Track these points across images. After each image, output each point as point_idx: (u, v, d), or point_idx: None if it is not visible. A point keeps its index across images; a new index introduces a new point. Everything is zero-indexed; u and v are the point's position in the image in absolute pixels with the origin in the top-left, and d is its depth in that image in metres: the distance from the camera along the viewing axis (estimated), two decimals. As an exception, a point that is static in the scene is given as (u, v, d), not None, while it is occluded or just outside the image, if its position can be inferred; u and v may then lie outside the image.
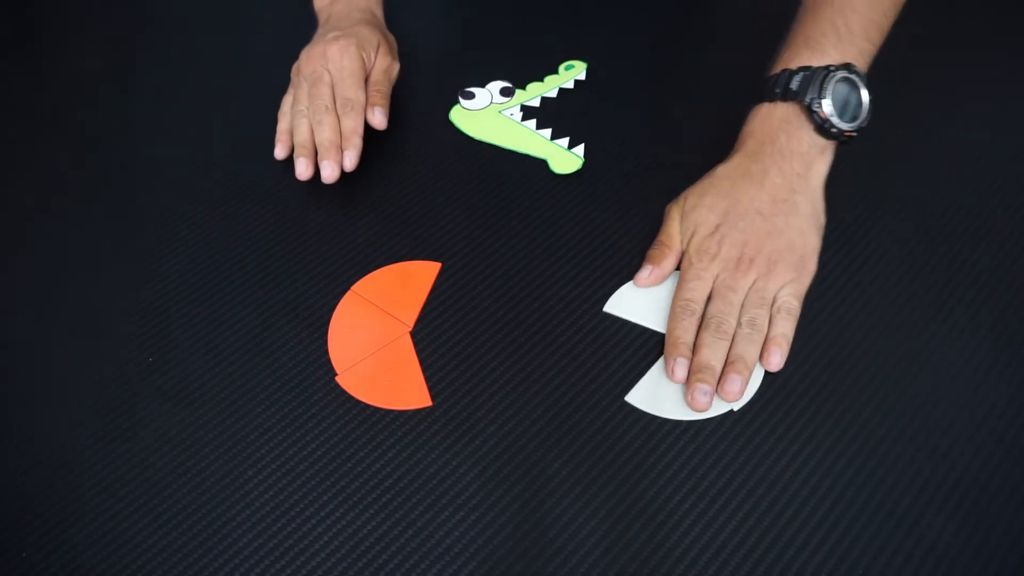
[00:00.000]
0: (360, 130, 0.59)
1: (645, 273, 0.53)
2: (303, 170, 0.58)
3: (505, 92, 0.66)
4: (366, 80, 0.61)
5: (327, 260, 0.56)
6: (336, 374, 0.50)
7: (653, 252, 0.54)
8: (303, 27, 0.66)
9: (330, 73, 0.60)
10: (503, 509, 0.45)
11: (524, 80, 0.67)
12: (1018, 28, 0.71)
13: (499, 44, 0.71)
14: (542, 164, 0.61)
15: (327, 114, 0.58)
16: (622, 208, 0.58)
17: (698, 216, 0.53)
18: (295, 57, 0.63)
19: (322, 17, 0.66)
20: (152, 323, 0.53)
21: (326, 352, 0.51)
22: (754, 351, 0.49)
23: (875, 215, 0.57)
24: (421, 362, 0.51)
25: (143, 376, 0.51)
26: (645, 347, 0.51)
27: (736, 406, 0.48)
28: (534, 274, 0.55)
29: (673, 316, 0.51)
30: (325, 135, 0.58)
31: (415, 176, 0.61)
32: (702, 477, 0.46)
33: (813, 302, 0.52)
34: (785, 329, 0.49)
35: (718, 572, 0.42)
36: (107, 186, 0.62)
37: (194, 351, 0.52)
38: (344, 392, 0.50)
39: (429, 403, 0.49)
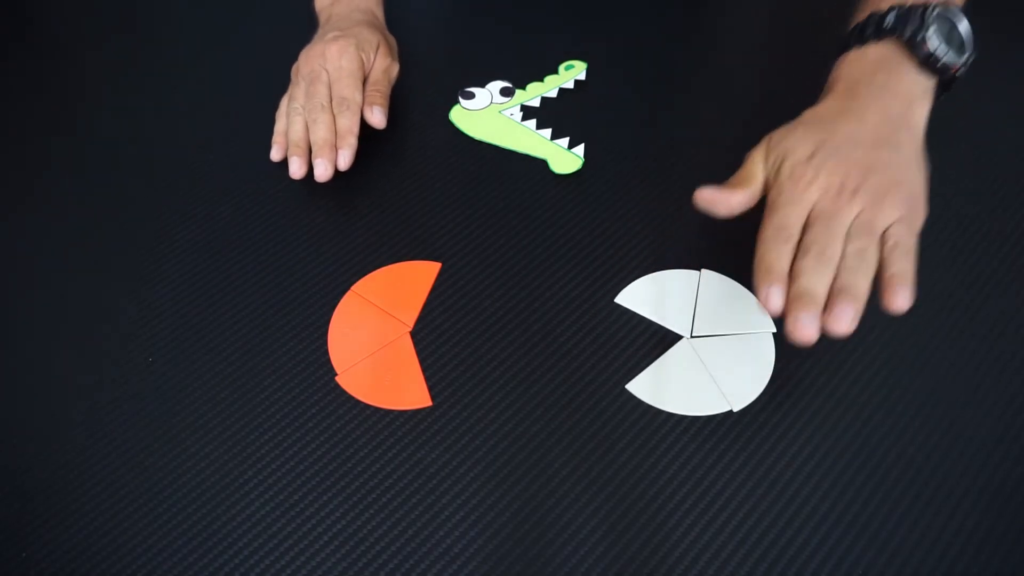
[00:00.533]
0: (356, 129, 0.58)
1: (711, 189, 0.47)
2: (296, 169, 0.58)
3: (505, 92, 0.66)
4: (365, 80, 0.61)
5: (327, 260, 0.56)
6: (336, 374, 0.50)
7: (729, 182, 0.47)
8: (303, 27, 0.66)
9: (328, 72, 0.60)
10: (503, 509, 0.45)
11: (524, 80, 0.67)
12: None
13: (499, 44, 0.71)
14: (542, 164, 0.61)
15: (323, 112, 0.58)
16: (622, 208, 0.58)
17: (788, 145, 0.46)
18: (295, 57, 0.63)
19: (322, 17, 0.66)
20: (152, 323, 0.53)
21: (326, 352, 0.51)
22: (865, 283, 0.41)
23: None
24: (421, 362, 0.51)
25: (143, 376, 0.51)
26: (649, 343, 0.51)
27: (736, 408, 0.48)
28: (534, 274, 0.55)
29: (764, 242, 0.44)
30: (320, 133, 0.58)
31: (415, 176, 0.61)
32: (702, 477, 0.46)
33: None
34: (906, 267, 0.41)
35: (718, 572, 0.42)
36: (107, 186, 0.62)
37: (194, 351, 0.52)
38: (344, 392, 0.50)
39: (429, 403, 0.49)
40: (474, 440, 0.48)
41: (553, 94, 0.66)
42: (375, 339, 0.52)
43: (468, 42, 0.72)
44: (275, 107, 0.63)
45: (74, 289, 0.55)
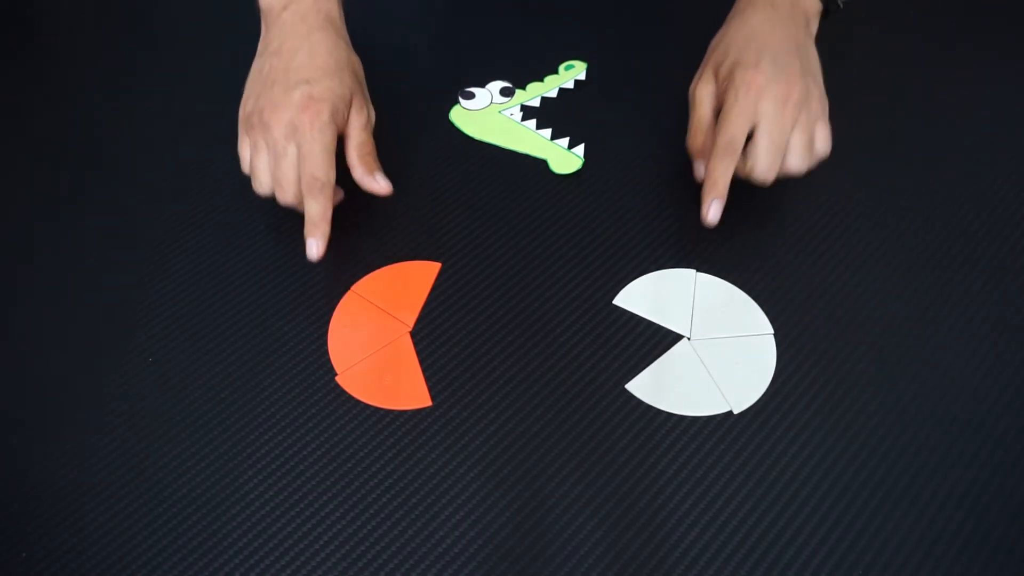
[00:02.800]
0: (328, 215, 0.52)
1: (701, 168, 0.54)
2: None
3: (505, 92, 0.66)
4: (345, 142, 0.55)
5: (327, 260, 0.56)
6: (336, 374, 0.50)
7: (692, 141, 0.55)
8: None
9: (297, 147, 0.52)
10: (503, 509, 0.45)
11: (524, 80, 0.67)
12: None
13: (499, 44, 0.71)
14: (542, 164, 0.61)
15: (295, 202, 0.53)
16: (622, 208, 0.58)
17: (735, 56, 0.53)
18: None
19: (269, 18, 0.57)
20: (152, 323, 0.53)
21: (326, 352, 0.51)
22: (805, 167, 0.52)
23: (874, 217, 0.57)
24: (421, 362, 0.51)
25: (143, 376, 0.51)
26: (648, 344, 0.51)
27: (736, 409, 0.48)
28: (534, 274, 0.55)
29: (716, 156, 0.51)
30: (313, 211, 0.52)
31: (415, 176, 0.61)
32: (702, 477, 0.46)
33: (815, 301, 0.52)
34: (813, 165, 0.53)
35: (718, 572, 0.42)
36: (107, 187, 0.62)
37: (194, 351, 0.52)
38: (344, 392, 0.50)
39: (429, 403, 0.49)
40: (474, 440, 0.48)
41: (553, 94, 0.66)
42: (375, 339, 0.52)
43: (468, 42, 0.72)
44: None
45: (74, 289, 0.55)
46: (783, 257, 0.55)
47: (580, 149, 0.62)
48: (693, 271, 0.54)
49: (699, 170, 0.54)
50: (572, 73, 0.67)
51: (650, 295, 0.53)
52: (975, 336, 0.51)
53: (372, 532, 0.44)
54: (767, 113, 0.50)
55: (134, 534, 0.45)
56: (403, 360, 0.51)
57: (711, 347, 0.51)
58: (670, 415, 0.48)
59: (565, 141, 0.62)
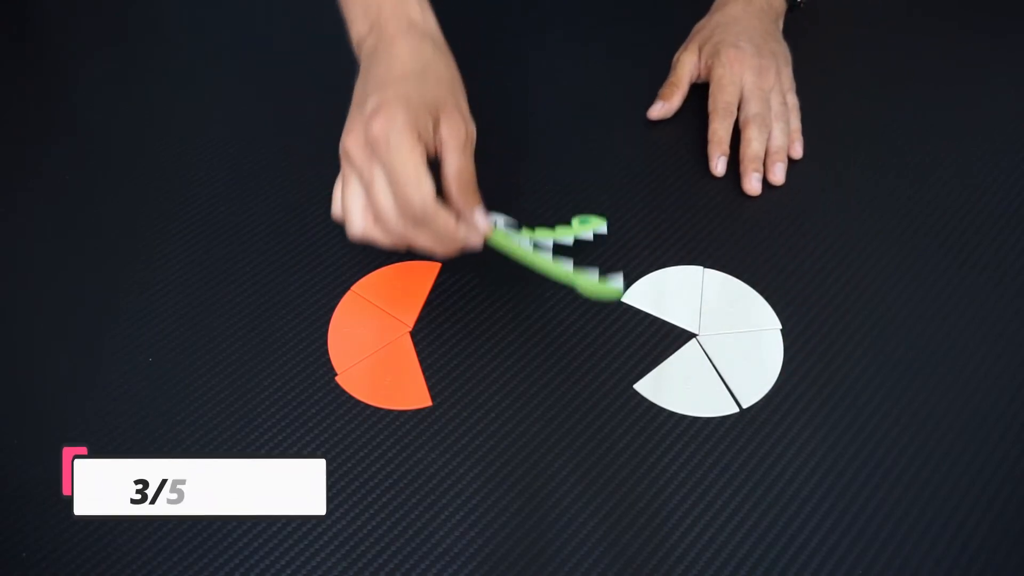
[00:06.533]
0: (448, 233, 0.44)
1: (657, 107, 0.63)
2: None
3: (510, 225, 0.49)
4: (436, 160, 0.45)
5: (327, 260, 0.56)
6: (336, 374, 0.50)
7: (664, 91, 0.64)
8: (306, 25, 0.66)
9: (383, 169, 0.43)
10: (503, 509, 0.45)
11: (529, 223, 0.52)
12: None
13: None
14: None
15: (402, 240, 0.45)
16: (623, 207, 0.58)
17: (720, 37, 0.63)
18: (297, 57, 0.62)
19: (362, 57, 0.49)
20: (152, 323, 0.53)
21: (326, 352, 0.51)
22: (786, 139, 0.60)
23: (880, 212, 0.57)
24: (421, 362, 0.51)
25: (143, 376, 0.51)
26: (652, 340, 0.51)
27: (744, 404, 0.48)
28: (535, 273, 0.55)
29: (716, 118, 0.60)
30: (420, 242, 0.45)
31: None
32: (702, 477, 0.46)
33: (824, 306, 0.52)
34: (798, 124, 0.62)
35: (718, 572, 0.42)
36: (106, 187, 0.62)
37: (194, 351, 0.52)
38: (344, 392, 0.50)
39: (429, 403, 0.49)
40: (474, 440, 0.48)
41: (568, 242, 0.53)
42: (375, 339, 0.52)
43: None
44: (277, 109, 0.63)
45: (74, 289, 0.55)
46: (789, 253, 0.55)
47: (619, 279, 0.48)
48: (700, 267, 0.54)
49: (655, 109, 0.63)
50: (589, 227, 0.54)
51: (657, 292, 0.53)
52: (980, 334, 0.51)
53: (372, 532, 0.44)
54: (749, 82, 0.61)
55: (134, 534, 0.45)
56: (403, 360, 0.51)
57: (719, 344, 0.51)
58: (679, 416, 0.48)
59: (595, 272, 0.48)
